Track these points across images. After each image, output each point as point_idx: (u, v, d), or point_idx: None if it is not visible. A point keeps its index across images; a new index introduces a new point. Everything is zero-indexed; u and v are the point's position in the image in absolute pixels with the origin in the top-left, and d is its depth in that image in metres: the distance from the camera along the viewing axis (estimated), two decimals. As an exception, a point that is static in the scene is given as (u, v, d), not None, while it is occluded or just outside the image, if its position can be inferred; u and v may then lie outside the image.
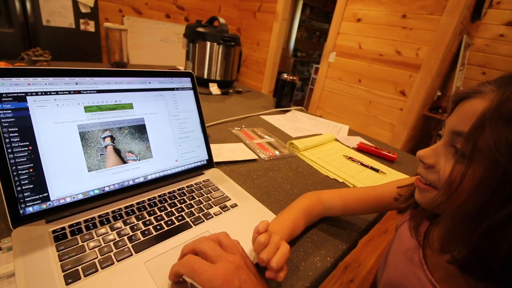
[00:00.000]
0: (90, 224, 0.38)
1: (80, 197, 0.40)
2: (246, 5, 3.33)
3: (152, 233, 0.38)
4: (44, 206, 0.37)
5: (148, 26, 2.82)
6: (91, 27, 1.97)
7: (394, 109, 2.19)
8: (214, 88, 1.22)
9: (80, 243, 0.34)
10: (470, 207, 0.28)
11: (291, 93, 1.16)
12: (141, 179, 0.47)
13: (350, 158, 0.77)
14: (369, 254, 1.57)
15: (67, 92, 0.40)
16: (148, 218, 0.41)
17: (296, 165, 0.68)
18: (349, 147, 0.88)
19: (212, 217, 0.44)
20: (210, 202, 0.47)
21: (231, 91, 1.29)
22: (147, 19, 2.80)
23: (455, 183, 0.29)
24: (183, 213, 0.43)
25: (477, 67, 2.60)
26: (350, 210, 0.49)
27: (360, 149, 0.86)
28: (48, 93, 0.39)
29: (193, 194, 0.48)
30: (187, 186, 0.50)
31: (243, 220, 0.44)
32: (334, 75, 2.55)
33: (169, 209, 0.44)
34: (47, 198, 0.37)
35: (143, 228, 0.39)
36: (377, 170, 0.72)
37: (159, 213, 0.42)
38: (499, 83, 0.29)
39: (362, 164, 0.75)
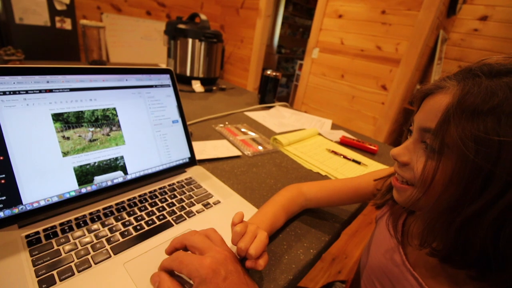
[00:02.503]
0: (66, 227, 0.36)
1: (55, 199, 0.39)
2: (229, 1, 3.30)
3: (132, 234, 0.38)
4: (16, 210, 0.36)
5: (128, 24, 2.74)
6: (67, 25, 1.89)
7: (376, 103, 2.25)
8: (197, 86, 1.21)
9: (56, 247, 0.33)
10: (445, 202, 0.28)
11: (274, 89, 1.16)
12: (120, 179, 0.45)
13: (333, 151, 0.78)
14: (355, 246, 1.61)
15: (38, 91, 0.39)
16: (127, 218, 0.40)
17: (280, 160, 0.69)
18: (332, 141, 0.89)
19: (195, 214, 0.43)
20: (192, 200, 0.47)
21: (214, 88, 1.27)
22: (127, 16, 2.72)
23: (428, 179, 0.29)
24: (164, 212, 0.43)
25: (454, 60, 2.70)
26: (329, 201, 0.50)
27: (343, 142, 0.88)
28: (17, 92, 0.37)
29: (175, 192, 0.48)
30: (169, 185, 0.49)
31: (226, 217, 0.44)
32: (317, 71, 2.58)
33: (150, 209, 0.43)
34: (19, 202, 0.36)
35: (123, 229, 0.38)
36: (359, 163, 0.74)
37: (139, 213, 0.41)
38: (459, 77, 0.29)
39: (344, 157, 0.76)
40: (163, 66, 1.47)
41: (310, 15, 4.84)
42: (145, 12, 2.86)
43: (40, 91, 0.39)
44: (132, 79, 0.49)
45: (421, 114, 0.32)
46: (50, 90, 0.40)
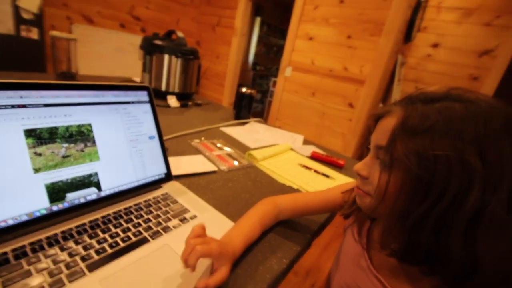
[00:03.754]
0: (37, 247, 0.35)
1: (25, 218, 0.38)
2: (205, 19, 3.38)
3: (107, 251, 0.37)
4: (-20, 230, 0.34)
5: (100, 35, 2.68)
6: (34, 34, 1.81)
7: (344, 119, 2.39)
8: (172, 101, 1.22)
9: (26, 267, 0.32)
10: (398, 208, 0.33)
11: (249, 105, 1.20)
12: (94, 196, 0.45)
13: (304, 166, 0.83)
14: (328, 258, 1.65)
15: (10, 106, 0.38)
16: (102, 236, 0.40)
17: (254, 175, 0.71)
18: (303, 155, 0.94)
19: (171, 230, 0.44)
20: (168, 215, 0.47)
21: (190, 103, 1.29)
22: (99, 28, 2.67)
23: (382, 190, 0.34)
24: (140, 228, 0.43)
25: (411, 82, 2.98)
26: (302, 212, 0.54)
27: (313, 157, 0.93)
28: (-13, 108, 0.36)
29: (151, 208, 0.48)
30: (145, 201, 0.50)
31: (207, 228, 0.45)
32: (290, 88, 2.70)
33: (125, 225, 0.43)
34: (-16, 222, 0.34)
35: (97, 247, 0.38)
36: (328, 176, 0.79)
37: (114, 230, 0.41)
38: (403, 103, 0.35)
39: (315, 171, 0.81)
40: (137, 80, 1.45)
41: (283, 36, 5.07)
42: (118, 25, 2.83)
43: (13, 106, 0.39)
44: (109, 95, 0.50)
45: (376, 134, 0.38)
46: (24, 106, 0.40)
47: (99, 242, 0.38)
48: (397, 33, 2.04)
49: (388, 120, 0.35)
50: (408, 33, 2.41)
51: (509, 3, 2.54)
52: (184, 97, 1.33)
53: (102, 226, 0.41)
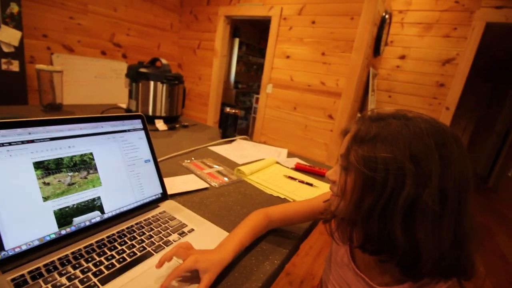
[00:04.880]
0: (51, 267, 0.39)
1: (36, 243, 0.41)
2: (186, 42, 3.50)
3: (116, 266, 0.41)
4: (-2, 257, 0.37)
5: (81, 63, 2.71)
6: (14, 67, 1.83)
7: (325, 131, 2.51)
8: (160, 124, 1.26)
9: (44, 286, 0.36)
10: (353, 203, 0.41)
11: (235, 124, 1.27)
12: (98, 219, 0.49)
13: (289, 177, 0.89)
14: (320, 266, 1.69)
15: (20, 142, 0.43)
16: (109, 253, 0.44)
17: (244, 189, 0.77)
18: (288, 167, 1.01)
19: (172, 243, 0.48)
20: (168, 230, 0.52)
21: (177, 126, 1.34)
22: (79, 56, 2.70)
23: (342, 188, 0.43)
24: (143, 244, 0.47)
25: (385, 92, 3.18)
26: (291, 220, 0.60)
27: (298, 168, 1.00)
28: (1, 145, 0.41)
29: (151, 225, 0.52)
30: (145, 220, 0.54)
31: (201, 242, 0.50)
32: (273, 104, 2.81)
33: (130, 242, 0.47)
34: (1, 248, 0.38)
35: (106, 263, 0.41)
36: (311, 185, 0.85)
37: (120, 248, 0.45)
38: (357, 120, 0.44)
39: (299, 181, 0.87)
40: (123, 106, 1.50)
41: (262, 54, 5.28)
42: (99, 52, 2.87)
43: (23, 142, 0.43)
44: (107, 126, 0.55)
45: (341, 146, 0.46)
46: (32, 141, 0.44)
47: (107, 259, 0.42)
48: (366, 48, 2.21)
49: (348, 134, 0.44)
50: (377, 48, 2.61)
51: (462, 17, 2.83)
52: (171, 120, 1.38)
53: (108, 245, 0.45)
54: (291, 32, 2.59)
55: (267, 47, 2.76)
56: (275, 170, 0.95)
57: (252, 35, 5.12)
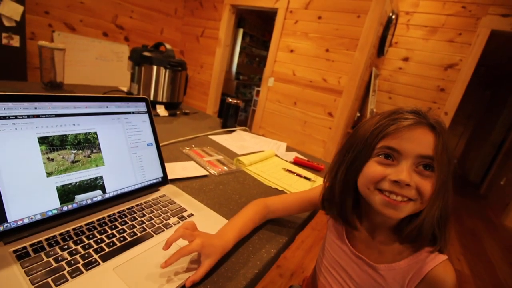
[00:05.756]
0: (53, 242, 0.40)
1: (38, 217, 0.41)
2: (189, 29, 3.45)
3: (116, 244, 0.42)
4: (1, 228, 0.38)
5: (82, 43, 2.67)
6: (15, 42, 1.79)
7: (324, 128, 2.52)
8: (161, 110, 1.26)
9: (45, 259, 0.36)
10: (435, 205, 0.43)
11: (235, 115, 1.27)
12: (99, 198, 0.49)
13: (287, 170, 0.90)
14: (311, 260, 1.73)
15: (26, 117, 0.43)
16: (110, 232, 0.44)
17: (243, 179, 0.78)
18: (287, 161, 1.01)
19: (172, 226, 0.49)
20: (168, 213, 0.52)
21: (178, 112, 1.33)
22: (81, 36, 2.65)
23: (426, 192, 0.45)
24: (143, 225, 0.48)
25: (385, 92, 3.18)
26: (290, 211, 0.61)
27: (296, 162, 1.01)
28: (7, 117, 0.41)
29: (152, 208, 0.53)
30: (145, 202, 0.54)
31: (200, 226, 0.50)
32: (273, 97, 2.80)
33: (130, 223, 0.47)
34: (4, 220, 0.38)
35: (107, 241, 0.42)
36: (309, 179, 0.86)
37: (120, 227, 0.46)
38: (423, 117, 0.44)
39: (297, 174, 0.88)
40: (124, 89, 1.48)
41: (265, 47, 5.24)
42: (101, 33, 2.83)
43: (28, 116, 0.43)
44: (112, 106, 0.55)
45: (419, 144, 0.45)
46: (38, 116, 0.44)
47: (108, 237, 0.43)
48: (370, 47, 2.21)
49: (432, 132, 0.42)
50: (381, 48, 2.60)
51: (468, 22, 2.82)
52: (172, 106, 1.37)
53: (109, 224, 0.46)
54: (297, 26, 2.57)
55: (271, 40, 2.73)
56: (274, 162, 0.96)
57: (256, 26, 5.06)
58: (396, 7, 2.88)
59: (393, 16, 2.57)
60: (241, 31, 4.55)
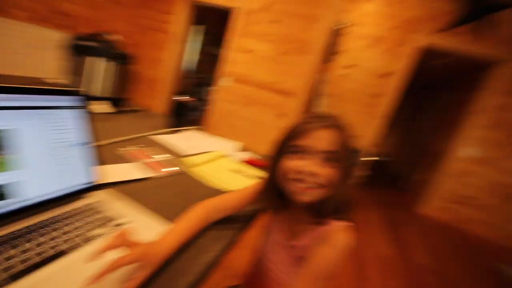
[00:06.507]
0: None
1: None
2: (140, 21, 3.23)
3: (34, 260, 0.37)
4: None
5: (13, 28, 2.31)
6: None
7: (278, 128, 2.60)
8: (102, 106, 1.16)
9: None
10: (337, 189, 0.53)
11: (186, 113, 1.24)
12: (13, 207, 0.43)
13: (237, 171, 0.91)
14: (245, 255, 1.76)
15: None
16: (28, 246, 0.39)
17: (187, 181, 0.76)
18: (239, 161, 1.02)
19: (104, 235, 0.46)
20: (100, 222, 0.48)
21: (122, 109, 1.25)
22: (12, 20, 2.29)
23: (329, 180, 0.53)
24: (68, 237, 0.43)
25: (332, 96, 3.42)
26: (233, 208, 0.63)
27: (248, 162, 1.02)
28: None
29: (80, 216, 0.48)
30: (73, 210, 0.49)
31: (139, 234, 0.48)
32: (228, 98, 2.80)
33: (52, 234, 0.43)
34: None
35: (22, 257, 0.37)
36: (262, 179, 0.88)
37: (41, 240, 0.41)
38: (327, 119, 0.53)
39: (248, 175, 0.90)
40: (61, 81, 1.33)
41: (222, 46, 5.19)
42: (35, 17, 2.48)
43: None
44: (36, 100, 0.48)
45: (322, 140, 0.53)
46: None
47: (23, 252, 0.38)
48: (320, 53, 2.35)
49: (333, 130, 0.51)
50: (330, 55, 2.79)
51: (401, 37, 3.18)
52: (115, 102, 1.28)
53: (27, 236, 0.41)
54: (253, 28, 2.61)
55: (226, 39, 2.72)
56: (223, 163, 0.96)
57: (216, 24, 4.98)
58: (345, 17, 3.11)
59: (340, 26, 2.77)
60: (199, 28, 4.43)
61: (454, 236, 2.89)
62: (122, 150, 0.82)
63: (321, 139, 0.50)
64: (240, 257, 1.69)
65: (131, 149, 0.84)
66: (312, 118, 0.53)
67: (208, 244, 0.52)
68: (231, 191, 0.75)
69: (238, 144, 1.24)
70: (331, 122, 0.51)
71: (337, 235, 0.52)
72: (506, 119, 2.89)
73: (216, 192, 0.74)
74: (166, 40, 3.10)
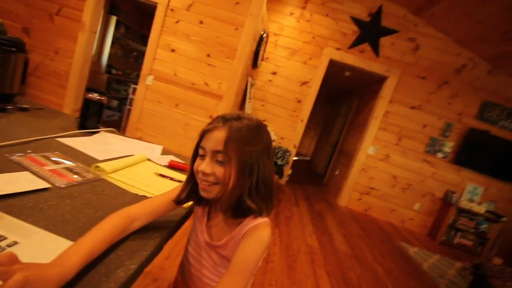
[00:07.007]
0: None
1: None
2: (40, 4, 2.70)
3: None
4: None
5: None
6: None
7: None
8: (-22, 103, 0.91)
9: None
10: (234, 186, 0.55)
11: (98, 113, 1.09)
12: None
13: (160, 175, 0.85)
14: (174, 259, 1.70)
15: None
16: None
17: (102, 188, 0.67)
18: (161, 165, 0.96)
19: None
20: (-29, 247, 0.38)
21: (11, 107, 1.01)
22: None
23: (224, 178, 0.54)
24: None
25: (259, 100, 3.59)
26: (155, 214, 0.58)
27: (171, 166, 0.97)
28: None
29: None
30: None
31: (28, 257, 0.39)
32: (152, 97, 2.60)
33: None
34: None
35: None
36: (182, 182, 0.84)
37: None
38: (224, 120, 0.54)
39: (171, 179, 0.85)
40: None
41: (144, 41, 4.82)
42: None
43: None
44: None
45: (211, 142, 0.53)
46: None
47: None
48: (246, 59, 2.42)
49: (219, 132, 0.54)
50: (255, 60, 2.91)
51: (316, 50, 3.57)
52: (3, 99, 1.02)
53: None
54: (178, 26, 2.50)
55: (150, 35, 2.53)
56: (144, 167, 0.88)
57: (133, 17, 4.59)
58: (267, 27, 3.30)
59: (264, 35, 2.93)
60: (114, 18, 3.99)
61: (365, 223, 3.41)
62: (10, 157, 0.66)
63: (211, 139, 0.54)
64: (174, 267, 1.58)
65: (24, 155, 0.68)
66: (213, 120, 0.57)
67: (125, 258, 0.47)
68: (153, 196, 0.70)
69: (161, 147, 1.17)
70: (224, 123, 0.54)
71: (258, 231, 0.55)
72: (391, 123, 3.61)
73: (141, 199, 0.68)
74: (76, 28, 2.68)
